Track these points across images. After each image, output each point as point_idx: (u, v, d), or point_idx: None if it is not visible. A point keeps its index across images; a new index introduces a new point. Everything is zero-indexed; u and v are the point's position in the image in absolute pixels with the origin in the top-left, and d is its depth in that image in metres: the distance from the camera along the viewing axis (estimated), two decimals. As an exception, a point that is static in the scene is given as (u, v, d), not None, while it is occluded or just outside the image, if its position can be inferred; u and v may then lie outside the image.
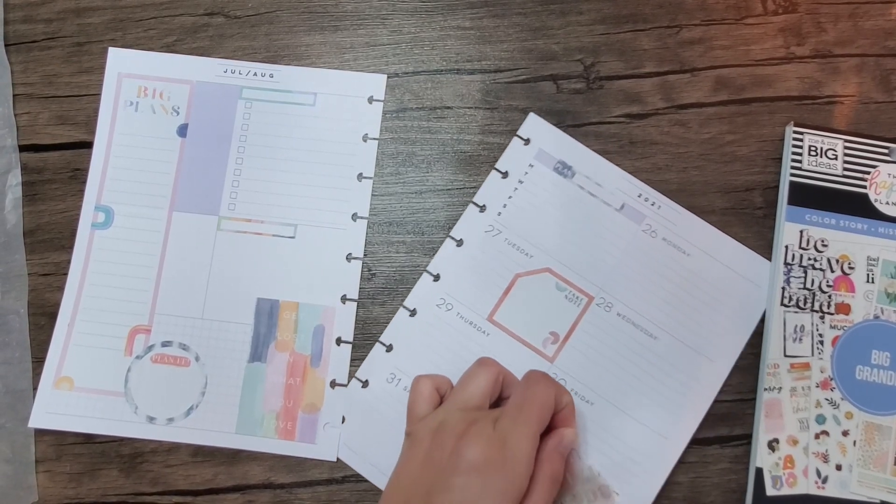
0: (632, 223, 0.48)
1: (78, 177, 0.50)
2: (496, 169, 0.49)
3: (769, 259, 0.47)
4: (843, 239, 0.47)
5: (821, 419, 0.45)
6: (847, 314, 0.46)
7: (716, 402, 0.46)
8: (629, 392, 0.45)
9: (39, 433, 0.47)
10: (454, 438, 0.38)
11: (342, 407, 0.46)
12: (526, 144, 0.49)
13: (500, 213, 0.48)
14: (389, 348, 0.47)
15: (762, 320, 0.47)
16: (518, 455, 0.37)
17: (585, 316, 0.46)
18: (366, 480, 0.46)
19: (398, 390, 0.46)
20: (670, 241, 0.47)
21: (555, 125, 0.49)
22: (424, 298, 0.47)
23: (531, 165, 0.49)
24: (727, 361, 0.46)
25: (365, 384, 0.47)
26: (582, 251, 0.47)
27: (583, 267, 0.47)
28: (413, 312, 0.47)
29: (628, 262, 0.47)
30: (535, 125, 0.49)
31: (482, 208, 0.48)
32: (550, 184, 0.48)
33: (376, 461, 0.45)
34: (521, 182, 0.48)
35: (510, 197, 0.48)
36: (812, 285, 0.46)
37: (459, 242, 0.48)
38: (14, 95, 0.51)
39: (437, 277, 0.48)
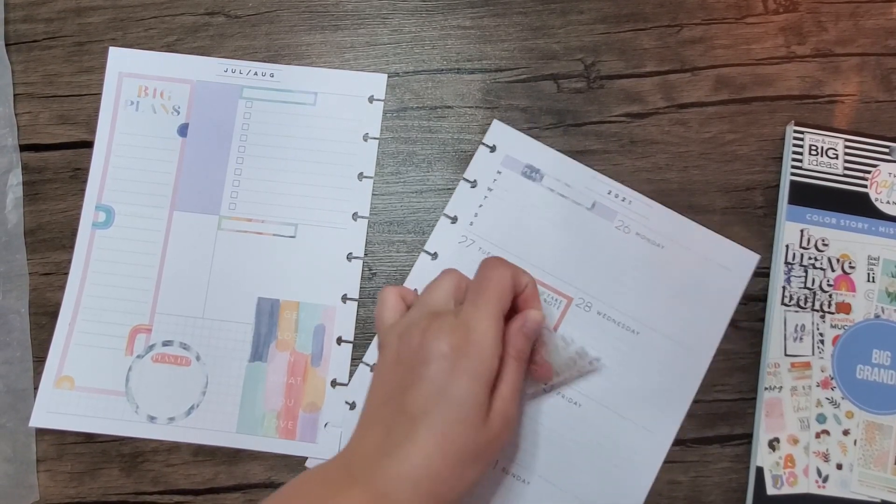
0: (604, 221, 0.48)
1: (78, 176, 0.50)
2: (464, 179, 0.49)
3: (752, 249, 0.47)
4: (843, 238, 0.47)
5: (821, 418, 0.45)
6: (848, 313, 0.46)
7: (716, 401, 0.46)
8: (614, 390, 0.45)
9: (40, 433, 0.47)
10: (420, 334, 0.38)
11: (343, 406, 0.47)
12: (492, 152, 0.49)
13: (471, 223, 0.48)
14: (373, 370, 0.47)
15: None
16: (482, 336, 0.37)
17: (566, 317, 0.46)
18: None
19: None
20: (643, 236, 0.47)
21: (553, 125, 0.49)
22: None
23: (499, 172, 0.48)
24: (707, 350, 0.46)
25: (352, 406, 0.46)
26: (557, 253, 0.47)
27: (559, 269, 0.47)
28: None
29: (604, 259, 0.47)
30: (499, 132, 0.49)
31: (453, 220, 0.48)
32: (520, 189, 0.48)
33: None
34: (490, 189, 0.48)
35: (480, 206, 0.48)
36: (813, 284, 0.46)
37: (434, 256, 0.48)
38: (14, 95, 0.51)
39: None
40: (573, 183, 0.48)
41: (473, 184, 0.48)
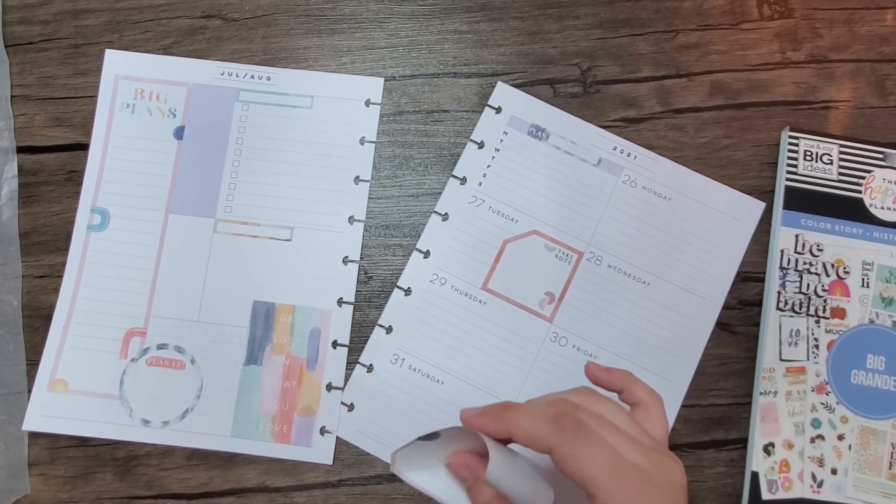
0: (611, 176, 0.48)
1: (74, 179, 0.50)
2: (472, 140, 0.49)
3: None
4: (838, 243, 0.47)
5: (816, 423, 0.45)
6: (842, 318, 0.46)
7: (711, 405, 0.46)
8: (629, 340, 0.46)
9: (33, 436, 0.46)
10: None
11: (339, 409, 0.46)
12: (498, 113, 0.50)
13: (480, 183, 0.49)
14: (389, 330, 0.47)
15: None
16: None
17: (577, 272, 0.47)
18: (362, 484, 0.46)
19: (402, 370, 0.46)
20: (650, 189, 0.48)
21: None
22: (417, 276, 0.48)
23: (505, 133, 0.49)
24: (718, 297, 0.47)
25: (370, 369, 0.47)
26: (566, 209, 0.48)
27: (569, 225, 0.48)
28: (408, 292, 0.47)
29: (612, 214, 0.48)
30: (504, 93, 0.50)
31: (462, 180, 0.49)
32: (526, 148, 0.49)
33: (386, 439, 0.46)
34: (497, 150, 0.49)
35: (488, 166, 0.49)
36: (807, 290, 0.46)
37: (444, 217, 0.48)
38: (11, 96, 0.51)
39: (427, 254, 0.48)
40: (579, 140, 0.49)
41: (480, 145, 0.49)
